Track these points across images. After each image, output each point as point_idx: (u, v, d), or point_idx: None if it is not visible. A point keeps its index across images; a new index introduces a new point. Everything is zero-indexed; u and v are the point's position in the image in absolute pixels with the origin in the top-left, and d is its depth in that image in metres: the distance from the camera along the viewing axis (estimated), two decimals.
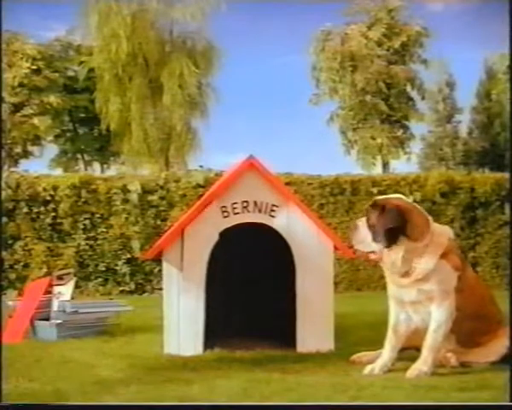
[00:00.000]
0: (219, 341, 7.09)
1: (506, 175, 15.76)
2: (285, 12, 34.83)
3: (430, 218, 5.86)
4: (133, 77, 24.00)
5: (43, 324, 8.55)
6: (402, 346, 6.02)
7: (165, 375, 6.01)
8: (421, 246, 5.59)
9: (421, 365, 5.67)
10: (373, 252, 5.73)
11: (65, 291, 8.85)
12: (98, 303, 9.84)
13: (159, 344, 7.19)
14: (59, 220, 14.67)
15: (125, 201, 14.83)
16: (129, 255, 14.70)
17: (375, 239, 5.63)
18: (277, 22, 37.11)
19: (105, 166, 31.90)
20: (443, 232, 5.85)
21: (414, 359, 6.05)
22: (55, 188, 14.68)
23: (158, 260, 7.93)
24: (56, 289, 8.91)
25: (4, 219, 14.28)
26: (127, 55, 23.30)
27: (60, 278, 9.26)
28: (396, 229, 5.52)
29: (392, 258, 5.63)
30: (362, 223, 5.77)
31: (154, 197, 14.90)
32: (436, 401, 4.84)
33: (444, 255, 5.65)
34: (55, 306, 8.67)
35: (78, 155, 31.57)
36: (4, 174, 14.97)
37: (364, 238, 5.71)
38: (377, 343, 6.40)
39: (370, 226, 5.67)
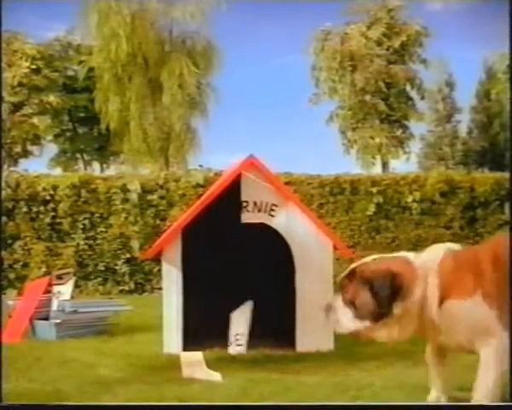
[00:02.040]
0: (219, 341, 7.09)
1: (506, 175, 15.77)
2: (285, 12, 34.92)
3: (415, 262, 4.62)
4: (133, 76, 23.96)
5: (43, 323, 8.55)
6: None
7: (165, 375, 6.01)
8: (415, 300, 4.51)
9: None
10: (358, 331, 4.59)
11: (64, 291, 8.86)
12: (98, 303, 9.84)
13: (158, 344, 7.19)
14: (58, 220, 14.67)
15: (125, 200, 14.83)
16: (128, 255, 14.70)
17: (359, 316, 4.52)
18: (277, 22, 37.24)
19: (104, 165, 31.86)
20: (427, 271, 4.56)
21: (414, 359, 6.03)
22: (54, 187, 14.68)
23: (157, 259, 7.93)
24: (56, 288, 8.92)
25: (4, 219, 14.28)
26: (127, 55, 23.26)
27: (59, 277, 9.27)
28: (387, 298, 4.46)
29: (387, 330, 4.57)
30: (337, 302, 4.64)
31: (153, 197, 14.90)
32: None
33: (444, 295, 4.49)
34: (55, 305, 8.68)
35: (78, 155, 31.54)
36: (4, 174, 14.96)
37: (343, 317, 4.57)
38: (377, 343, 6.40)
39: (349, 302, 4.58)
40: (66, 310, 8.49)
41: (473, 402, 4.53)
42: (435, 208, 15.33)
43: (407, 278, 4.49)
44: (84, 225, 14.70)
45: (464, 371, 5.70)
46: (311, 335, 7.08)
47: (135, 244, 14.62)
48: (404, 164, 28.75)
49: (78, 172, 26.96)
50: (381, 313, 4.47)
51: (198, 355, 6.45)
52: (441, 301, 4.48)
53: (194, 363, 6.21)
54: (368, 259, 4.86)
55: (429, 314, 4.51)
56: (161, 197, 14.93)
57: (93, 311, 8.87)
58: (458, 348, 4.65)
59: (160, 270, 9.53)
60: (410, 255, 4.71)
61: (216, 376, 5.80)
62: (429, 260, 4.60)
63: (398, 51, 27.65)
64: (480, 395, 4.48)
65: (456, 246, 4.79)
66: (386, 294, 4.45)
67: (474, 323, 4.47)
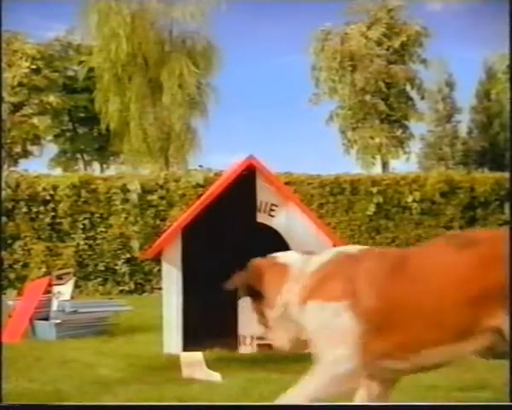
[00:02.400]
0: (219, 341, 7.09)
1: (506, 175, 15.76)
2: (285, 12, 34.90)
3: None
4: (133, 76, 23.96)
5: (43, 323, 8.55)
6: None
7: (165, 375, 6.01)
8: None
9: None
10: None
11: (64, 291, 8.86)
12: (98, 303, 9.84)
13: (158, 344, 7.19)
14: (58, 220, 14.67)
15: (125, 200, 14.83)
16: (128, 255, 14.70)
17: None
18: (277, 22, 37.21)
19: (104, 165, 31.86)
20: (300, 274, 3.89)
21: None
22: (54, 188, 14.68)
23: (157, 259, 7.93)
24: (56, 288, 8.92)
25: (4, 219, 14.27)
26: (127, 55, 23.26)
27: (59, 277, 9.27)
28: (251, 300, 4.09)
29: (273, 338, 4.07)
30: None
31: (153, 197, 14.90)
32: (436, 400, 4.84)
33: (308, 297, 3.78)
34: (55, 305, 8.68)
35: (78, 155, 31.55)
36: (4, 174, 14.97)
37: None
38: None
39: None
40: (67, 310, 8.49)
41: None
42: (435, 208, 15.32)
43: (264, 280, 3.97)
44: (84, 225, 14.70)
45: (463, 371, 5.70)
46: None
47: (135, 244, 14.62)
48: (404, 164, 28.77)
49: (78, 172, 26.92)
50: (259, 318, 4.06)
51: (198, 355, 6.45)
52: (303, 303, 3.80)
53: (194, 363, 6.20)
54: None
55: (293, 318, 3.88)
56: (161, 197, 14.93)
57: (93, 311, 8.87)
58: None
59: (159, 270, 9.53)
60: (293, 256, 4.08)
61: (216, 376, 5.79)
62: (310, 263, 3.91)
63: (398, 51, 27.65)
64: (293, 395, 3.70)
65: (353, 249, 3.99)
66: (241, 295, 4.17)
67: (328, 331, 3.68)
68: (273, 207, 7.27)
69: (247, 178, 7.35)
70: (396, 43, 27.41)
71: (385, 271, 3.63)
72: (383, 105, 27.28)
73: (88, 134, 30.79)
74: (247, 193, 7.37)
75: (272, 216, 7.27)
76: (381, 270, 3.64)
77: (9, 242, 14.44)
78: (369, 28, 27.45)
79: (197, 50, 24.67)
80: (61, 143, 31.10)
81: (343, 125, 28.56)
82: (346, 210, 15.22)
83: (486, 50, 31.47)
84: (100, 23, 23.40)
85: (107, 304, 9.59)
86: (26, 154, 28.10)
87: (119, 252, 14.73)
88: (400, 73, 27.08)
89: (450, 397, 4.85)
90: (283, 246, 7.23)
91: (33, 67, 26.61)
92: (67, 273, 9.60)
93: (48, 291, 8.97)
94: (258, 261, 4.18)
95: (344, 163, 31.55)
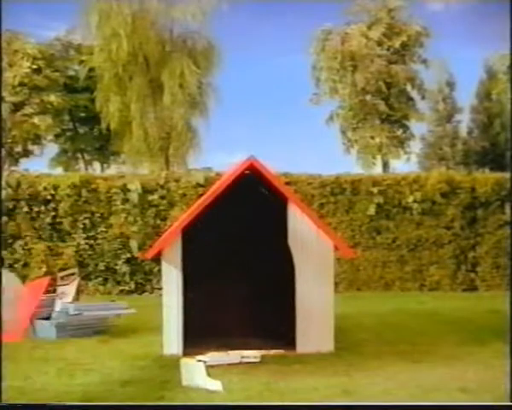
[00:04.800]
0: (219, 341, 7.09)
1: (506, 175, 15.74)
2: (285, 12, 34.85)
3: None
4: (133, 76, 23.90)
5: (43, 323, 8.55)
6: None
7: (164, 375, 6.01)
8: None
9: None
10: None
11: (68, 291, 8.87)
12: (101, 306, 9.78)
13: (158, 344, 7.19)
14: (59, 220, 14.67)
15: (125, 200, 14.82)
16: (129, 255, 14.69)
17: None
18: (278, 22, 37.13)
19: (105, 165, 31.81)
20: None
21: (414, 358, 6.03)
22: (55, 187, 14.68)
23: (157, 259, 7.93)
24: (60, 289, 8.94)
25: (4, 219, 14.28)
26: (127, 55, 23.20)
27: (63, 277, 9.29)
28: None
29: None
30: None
31: (154, 197, 14.89)
32: (436, 401, 4.84)
33: None
34: (58, 306, 8.68)
35: (79, 155, 31.49)
36: (5, 173, 14.97)
37: None
38: (377, 344, 6.40)
39: None
40: (71, 313, 8.48)
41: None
42: (436, 209, 15.31)
43: None
44: (84, 224, 14.70)
45: (463, 371, 5.70)
46: (312, 335, 7.08)
47: (135, 244, 14.61)
48: (405, 164, 28.74)
49: (79, 171, 26.93)
50: None
51: (199, 364, 6.40)
52: None
53: (195, 371, 6.16)
54: None
55: None
56: (162, 197, 14.92)
57: (96, 314, 8.86)
58: None
59: (160, 270, 9.53)
60: None
61: (216, 385, 5.70)
62: None
63: (399, 51, 27.63)
64: None
65: None
66: None
67: None
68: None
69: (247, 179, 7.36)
70: (396, 44, 27.39)
71: None
72: (384, 105, 27.26)
73: (88, 134, 30.76)
74: (247, 193, 7.38)
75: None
76: None
77: (10, 241, 14.44)
78: (369, 28, 27.43)
79: (198, 50, 24.64)
80: (61, 142, 31.06)
81: (344, 125, 28.55)
82: (346, 210, 15.21)
83: (487, 50, 31.44)
84: (101, 23, 23.37)
85: (110, 307, 9.52)
86: (26, 153, 28.09)
87: (119, 252, 14.72)
88: (401, 73, 27.05)
89: (451, 397, 4.86)
90: (284, 246, 7.24)
91: (34, 66, 26.59)
92: (72, 274, 9.62)
93: (49, 291, 8.97)
94: None
95: (344, 163, 31.50)
